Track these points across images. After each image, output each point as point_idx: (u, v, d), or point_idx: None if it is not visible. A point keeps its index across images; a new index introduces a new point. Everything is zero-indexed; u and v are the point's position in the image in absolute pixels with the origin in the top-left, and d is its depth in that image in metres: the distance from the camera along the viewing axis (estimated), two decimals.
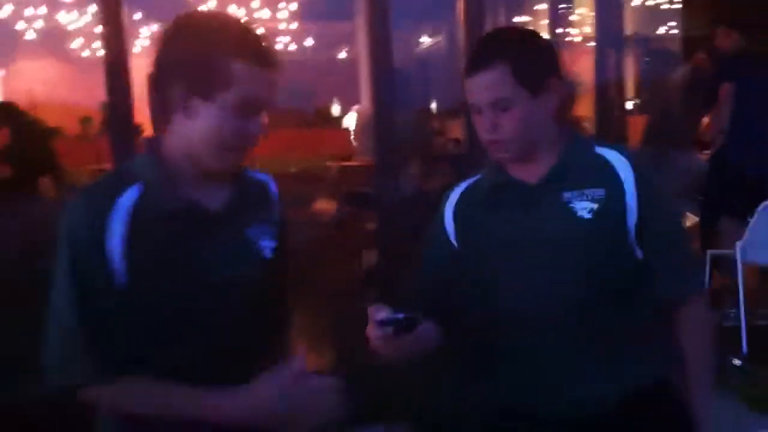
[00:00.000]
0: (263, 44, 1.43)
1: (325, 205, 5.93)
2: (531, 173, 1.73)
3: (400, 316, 1.40)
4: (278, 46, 11.57)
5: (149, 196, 1.42)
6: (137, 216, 1.39)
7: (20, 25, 9.76)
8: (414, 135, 4.74)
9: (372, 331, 1.44)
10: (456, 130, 5.15)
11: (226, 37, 1.40)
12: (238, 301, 1.46)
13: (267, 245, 1.53)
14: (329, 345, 4.40)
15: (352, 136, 6.89)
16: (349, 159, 6.43)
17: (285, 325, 1.67)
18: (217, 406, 1.37)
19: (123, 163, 1.51)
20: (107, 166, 4.77)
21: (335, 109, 11.03)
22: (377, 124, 3.40)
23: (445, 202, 1.85)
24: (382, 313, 1.43)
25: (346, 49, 11.81)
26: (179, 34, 1.43)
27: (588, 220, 1.65)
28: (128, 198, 1.40)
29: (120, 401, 1.41)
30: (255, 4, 9.66)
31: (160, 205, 1.42)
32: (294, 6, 9.67)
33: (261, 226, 1.54)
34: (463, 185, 1.86)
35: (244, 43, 1.40)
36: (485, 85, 1.67)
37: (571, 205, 1.66)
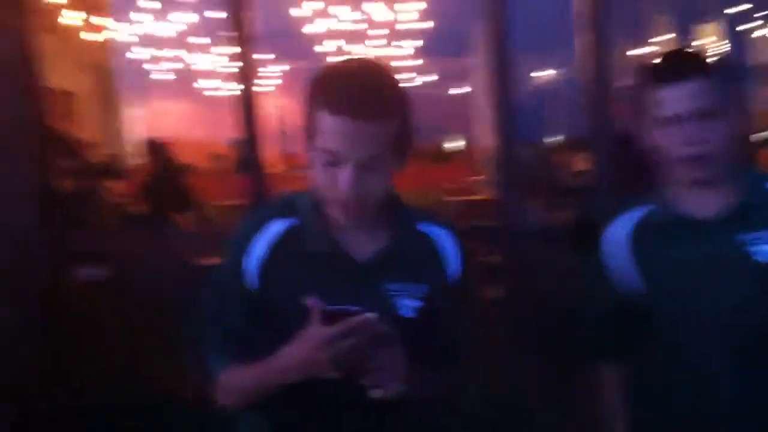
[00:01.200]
0: (359, 95, 1.35)
1: None
2: (707, 205, 1.64)
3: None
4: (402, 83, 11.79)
5: (298, 231, 1.48)
6: (282, 244, 1.48)
7: (151, 66, 10.31)
8: (537, 168, 4.73)
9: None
10: (578, 162, 5.10)
11: (320, 85, 1.40)
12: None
13: (407, 304, 1.48)
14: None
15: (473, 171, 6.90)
16: (468, 194, 6.44)
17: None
18: (271, 366, 1.41)
19: (290, 195, 1.56)
20: (237, 201, 4.95)
21: (456, 144, 11.07)
22: (500, 158, 3.41)
23: (606, 239, 1.77)
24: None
25: (465, 84, 11.88)
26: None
27: (764, 264, 1.58)
28: (278, 227, 1.49)
29: (224, 389, 1.51)
30: (380, 42, 9.86)
31: (305, 243, 1.47)
32: (419, 42, 9.81)
33: (407, 284, 1.48)
34: (628, 222, 1.74)
35: (332, 93, 1.37)
36: (691, 94, 1.57)
37: (751, 247, 1.59)
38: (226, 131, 7.97)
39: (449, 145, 11.41)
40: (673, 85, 1.59)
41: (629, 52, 9.33)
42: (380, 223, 1.51)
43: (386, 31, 9.43)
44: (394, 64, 10.60)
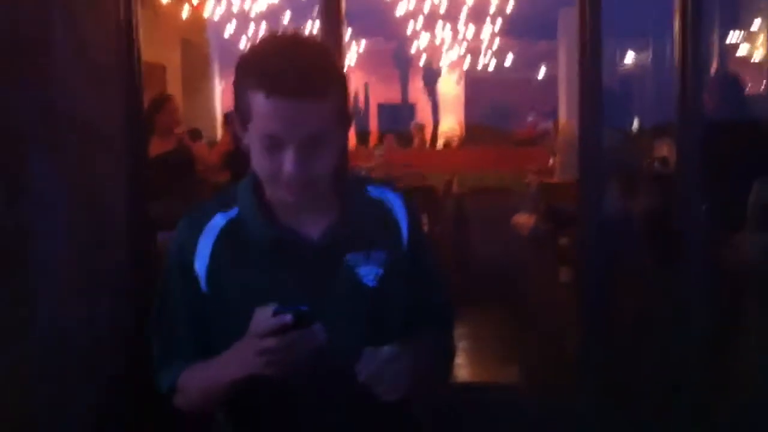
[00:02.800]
0: (294, 73, 1.25)
1: (524, 220, 5.96)
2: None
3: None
4: (479, 65, 11.72)
5: (240, 222, 1.42)
6: (225, 238, 1.41)
7: (242, 44, 10.49)
8: (619, 154, 4.67)
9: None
10: (662, 149, 5.01)
11: (252, 65, 1.31)
12: (334, 331, 1.29)
13: (369, 272, 1.42)
14: (519, 357, 4.43)
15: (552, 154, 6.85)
16: (549, 176, 6.40)
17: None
18: (217, 364, 1.37)
19: (233, 185, 1.49)
20: None
21: (540, 127, 10.94)
22: (582, 142, 3.39)
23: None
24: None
25: (545, 67, 11.73)
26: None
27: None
28: (219, 220, 1.42)
29: (183, 391, 1.46)
30: (459, 24, 9.81)
31: (250, 232, 1.40)
32: (498, 24, 9.73)
33: (366, 252, 1.43)
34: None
35: (264, 73, 1.27)
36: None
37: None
38: None
39: (540, 127, 11.30)
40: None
41: (728, 36, 9.08)
42: (328, 196, 1.44)
43: (471, 12, 9.39)
44: (478, 45, 10.57)
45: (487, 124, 11.10)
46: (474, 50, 11.00)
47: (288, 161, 1.29)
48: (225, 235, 1.41)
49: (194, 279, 1.41)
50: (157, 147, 4.66)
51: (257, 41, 1.37)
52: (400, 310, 1.47)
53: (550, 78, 10.27)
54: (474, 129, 11.48)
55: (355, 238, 1.42)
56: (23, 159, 2.47)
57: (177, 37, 9.27)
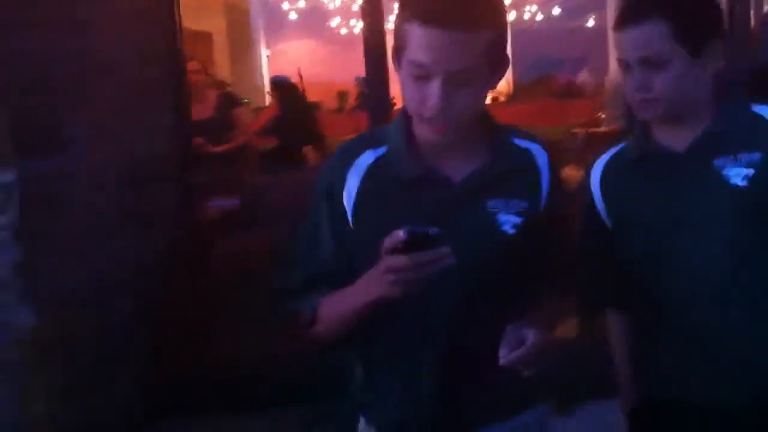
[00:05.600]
0: (451, 3, 1.27)
1: (571, 173, 5.87)
2: (680, 138, 1.60)
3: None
4: (525, 16, 11.51)
5: (388, 160, 1.43)
6: (372, 176, 1.43)
7: (285, 6, 10.49)
8: None
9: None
10: None
11: None
12: (465, 276, 1.34)
13: (508, 220, 1.42)
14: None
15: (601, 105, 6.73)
16: (596, 126, 6.29)
17: (524, 304, 1.48)
18: (356, 288, 1.38)
19: (378, 126, 1.55)
20: None
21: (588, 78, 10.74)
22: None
23: (588, 177, 1.74)
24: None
25: (594, 16, 11.46)
26: None
27: (742, 187, 1.53)
28: (366, 158, 1.44)
29: (321, 319, 1.47)
30: None
31: (396, 170, 1.42)
32: None
33: (508, 200, 1.42)
34: (604, 157, 1.73)
35: (421, 2, 1.29)
36: (638, 41, 1.55)
37: (724, 172, 1.55)
38: (354, 69, 8.11)
39: (581, 79, 11.08)
40: (622, 29, 1.57)
41: None
42: (474, 141, 1.43)
43: None
44: None
45: (535, 79, 10.91)
46: (519, 1, 10.80)
47: (432, 93, 1.30)
48: (373, 171, 1.43)
49: (342, 213, 1.44)
50: (196, 112, 4.58)
51: None
52: (535, 260, 1.47)
53: (603, 27, 10.02)
54: (522, 83, 11.30)
55: (498, 185, 1.42)
56: (58, 108, 2.50)
57: (222, 4, 9.30)
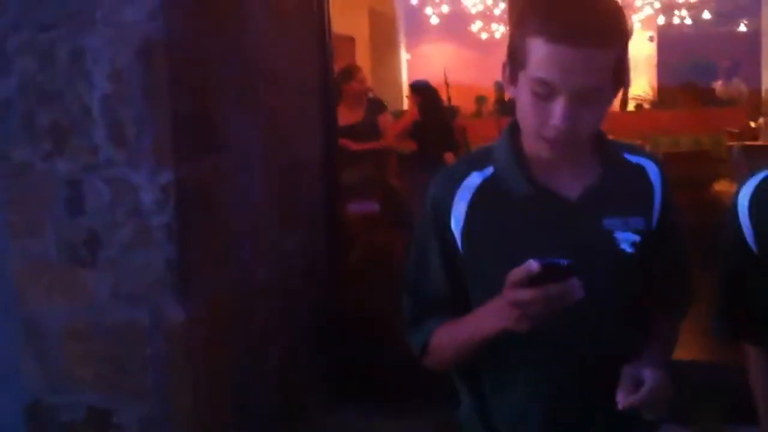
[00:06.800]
0: (580, 21, 1.22)
1: (726, 187, 5.59)
2: None
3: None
4: (675, 20, 11.12)
5: (497, 180, 1.39)
6: (481, 198, 1.38)
7: (427, 11, 10.57)
8: None
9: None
10: None
11: (535, 9, 1.27)
12: (587, 297, 1.26)
13: (626, 238, 1.37)
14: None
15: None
16: (754, 138, 5.98)
17: (641, 326, 1.46)
18: (471, 318, 1.35)
19: (485, 145, 1.46)
20: None
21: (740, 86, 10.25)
22: None
23: (735, 200, 1.58)
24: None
25: (746, 21, 10.93)
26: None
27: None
28: (473, 180, 1.39)
29: (435, 350, 1.44)
30: None
31: (507, 190, 1.37)
32: None
33: (624, 218, 1.38)
34: (754, 179, 1.55)
35: (548, 18, 1.23)
36: None
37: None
38: (494, 74, 8.08)
39: (733, 86, 10.58)
40: None
41: None
42: (585, 157, 1.38)
43: None
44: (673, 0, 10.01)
45: (682, 84, 10.49)
46: (668, 5, 10.44)
47: (557, 112, 1.25)
48: (481, 194, 1.39)
49: (450, 238, 1.40)
50: (345, 117, 4.79)
51: None
52: (651, 279, 1.43)
53: (757, 31, 9.55)
54: (668, 90, 10.89)
55: (613, 201, 1.38)
56: (220, 109, 2.60)
57: (365, 7, 9.47)
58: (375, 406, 3.21)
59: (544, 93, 1.25)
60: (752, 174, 1.66)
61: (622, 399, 1.26)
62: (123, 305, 2.35)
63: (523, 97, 1.29)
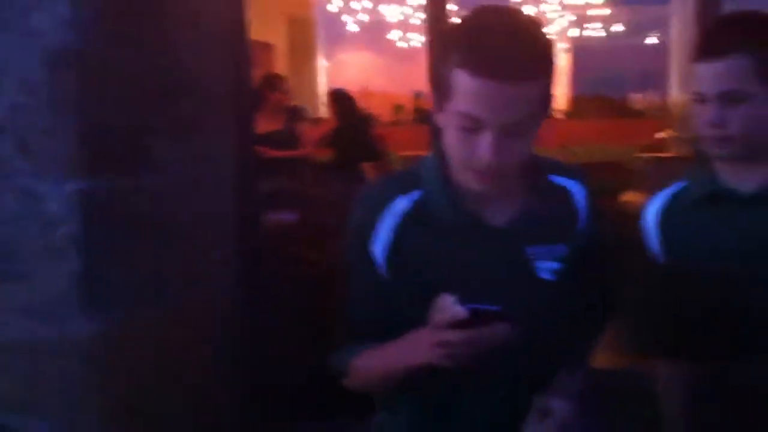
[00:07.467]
0: (505, 54, 1.18)
1: (633, 198, 5.78)
2: (748, 179, 1.53)
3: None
4: (588, 33, 11.40)
5: (425, 205, 1.37)
6: (407, 223, 1.37)
7: (346, 19, 10.56)
8: None
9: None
10: None
11: (459, 41, 1.24)
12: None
13: (547, 267, 1.38)
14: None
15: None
16: (660, 150, 6.18)
17: (566, 352, 1.44)
18: (399, 350, 1.33)
19: (414, 165, 1.44)
20: (419, 152, 5.05)
21: (648, 98, 10.60)
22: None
23: (642, 218, 1.67)
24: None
25: (659, 34, 11.31)
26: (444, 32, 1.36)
27: None
28: (400, 204, 1.38)
29: (355, 374, 1.44)
30: None
31: (434, 216, 1.36)
32: None
33: (547, 245, 1.39)
34: (661, 196, 1.66)
35: (473, 51, 1.20)
36: (719, 75, 1.48)
37: None
38: (411, 83, 8.14)
39: (640, 99, 10.94)
40: (701, 62, 1.50)
41: None
42: (514, 183, 1.37)
43: None
44: (585, 13, 10.28)
45: (595, 95, 10.79)
46: (581, 18, 10.72)
47: (484, 146, 1.22)
48: (408, 218, 1.37)
49: (373, 262, 1.38)
50: (265, 125, 4.75)
51: (467, 14, 1.27)
52: (577, 304, 1.44)
53: (663, 45, 9.88)
54: (582, 100, 11.19)
55: (537, 229, 1.38)
56: (140, 123, 2.54)
57: (284, 14, 9.41)
58: (295, 422, 3.18)
59: (471, 126, 1.22)
60: (660, 186, 1.71)
61: (530, 430, 1.28)
62: (29, 319, 2.27)
63: (449, 128, 1.27)
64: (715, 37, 1.54)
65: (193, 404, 2.90)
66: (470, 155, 1.25)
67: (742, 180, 1.55)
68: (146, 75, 2.55)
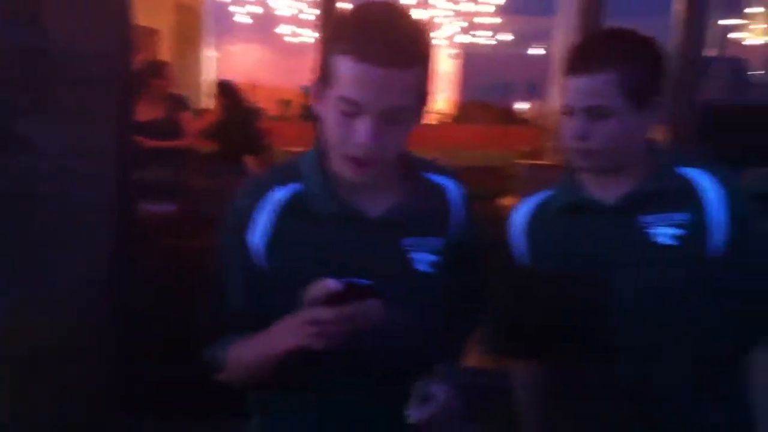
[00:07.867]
0: (387, 41, 1.24)
1: (510, 202, 5.92)
2: (610, 191, 1.60)
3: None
4: (478, 40, 11.60)
5: (304, 196, 1.40)
6: (287, 214, 1.38)
7: (235, 9, 10.37)
8: None
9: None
10: (657, 134, 4.96)
11: (343, 29, 1.30)
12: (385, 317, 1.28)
13: (422, 258, 1.41)
14: None
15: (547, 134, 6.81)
16: (539, 157, 6.35)
17: (440, 341, 1.48)
18: (268, 336, 1.32)
19: (294, 157, 1.48)
20: (304, 148, 5.00)
21: (531, 106, 10.89)
22: None
23: (511, 220, 1.73)
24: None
25: (545, 45, 11.65)
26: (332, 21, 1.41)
27: (671, 246, 1.54)
28: (279, 195, 1.40)
29: (229, 366, 1.42)
30: None
31: (313, 206, 1.38)
32: (500, 0, 9.60)
33: (422, 238, 1.41)
34: (528, 204, 1.73)
35: (355, 38, 1.26)
36: (587, 90, 1.53)
37: (651, 230, 1.55)
38: (300, 79, 8.05)
39: (524, 106, 11.23)
40: (570, 76, 1.56)
41: (720, 22, 9.01)
42: (390, 177, 1.42)
43: None
44: (474, 20, 10.46)
45: (483, 102, 11.01)
46: (470, 25, 10.89)
47: (362, 130, 1.27)
48: (287, 208, 1.39)
49: (249, 253, 1.39)
50: (147, 113, 4.63)
51: (353, 7, 1.33)
52: (451, 297, 1.45)
53: (548, 55, 10.18)
54: (469, 106, 11.39)
55: (412, 221, 1.41)
56: (13, 108, 2.43)
57: (171, 1, 9.14)
58: (171, 418, 3.11)
59: (350, 111, 1.27)
60: (534, 192, 1.75)
61: (413, 414, 1.28)
62: None
63: (329, 115, 1.31)
64: (583, 52, 1.59)
65: (64, 397, 2.80)
66: (349, 140, 1.29)
67: (604, 191, 1.61)
68: (20, 55, 2.44)
